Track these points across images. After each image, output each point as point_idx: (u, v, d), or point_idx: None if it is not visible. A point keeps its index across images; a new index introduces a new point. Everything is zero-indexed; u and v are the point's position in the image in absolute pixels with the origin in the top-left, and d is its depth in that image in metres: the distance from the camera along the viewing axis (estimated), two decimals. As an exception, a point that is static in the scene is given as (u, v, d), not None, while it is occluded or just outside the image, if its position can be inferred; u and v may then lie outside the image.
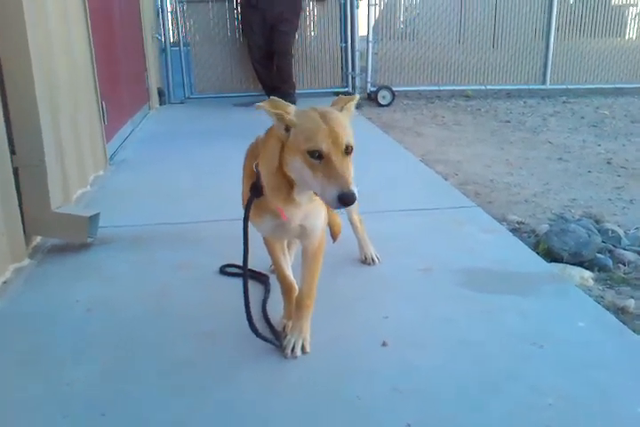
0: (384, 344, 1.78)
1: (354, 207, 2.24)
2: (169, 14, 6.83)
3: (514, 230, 2.96)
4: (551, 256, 2.61)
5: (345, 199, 1.35)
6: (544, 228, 3.01)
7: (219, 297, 2.11)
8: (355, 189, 1.37)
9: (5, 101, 2.35)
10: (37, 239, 2.61)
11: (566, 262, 2.56)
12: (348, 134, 1.43)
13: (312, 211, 1.65)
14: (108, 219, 2.77)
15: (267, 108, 1.47)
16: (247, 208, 1.66)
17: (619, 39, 7.43)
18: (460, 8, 7.15)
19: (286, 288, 1.87)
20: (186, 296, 2.12)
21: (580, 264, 2.60)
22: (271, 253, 1.85)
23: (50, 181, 2.47)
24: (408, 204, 3.03)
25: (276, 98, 1.53)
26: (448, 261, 2.37)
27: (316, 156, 1.40)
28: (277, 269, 1.87)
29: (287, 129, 1.47)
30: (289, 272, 1.87)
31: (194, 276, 2.28)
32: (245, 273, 1.73)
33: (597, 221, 3.14)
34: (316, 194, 1.47)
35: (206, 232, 2.71)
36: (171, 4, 6.82)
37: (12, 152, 2.37)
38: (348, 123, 1.49)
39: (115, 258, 2.47)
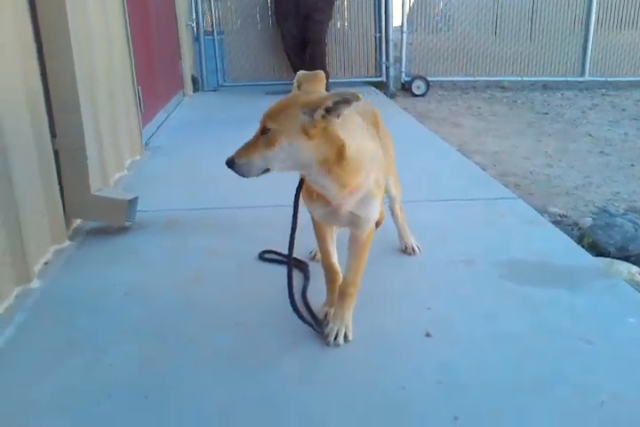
0: (428, 335, 1.74)
1: (397, 196, 2.20)
2: (203, 2, 6.82)
3: (555, 223, 2.89)
4: (596, 250, 2.54)
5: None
6: (587, 221, 2.95)
7: (255, 284, 2.09)
8: (235, 158, 1.49)
9: (47, 86, 2.34)
10: (77, 222, 2.61)
11: (612, 257, 2.49)
12: (270, 117, 1.47)
13: (366, 200, 1.61)
14: (145, 203, 2.76)
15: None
16: (297, 188, 1.67)
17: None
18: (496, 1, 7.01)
19: (331, 276, 1.83)
20: (222, 283, 2.10)
21: (626, 259, 2.53)
22: (319, 239, 1.81)
23: (90, 164, 2.47)
24: (447, 194, 2.98)
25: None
26: (490, 252, 2.31)
27: None
28: (324, 256, 1.84)
29: None
30: (335, 260, 1.83)
31: (229, 262, 2.26)
32: (291, 251, 1.71)
33: (642, 216, 3.05)
34: None
35: (241, 218, 2.69)
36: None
37: (53, 135, 2.37)
38: (309, 106, 1.44)
39: (151, 242, 2.46)
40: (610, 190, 3.48)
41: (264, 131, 1.47)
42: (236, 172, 1.49)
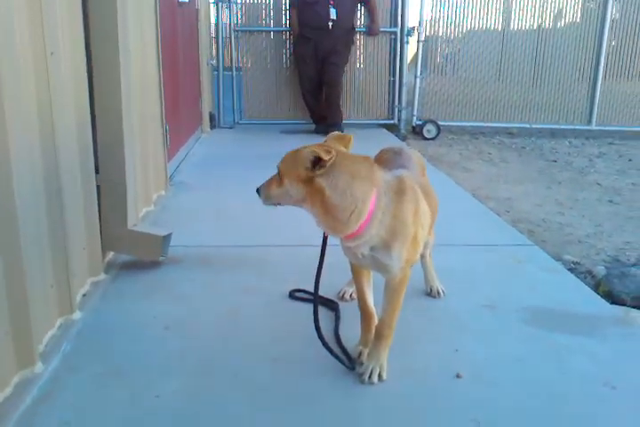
0: (458, 376, 1.82)
1: (430, 242, 2.30)
2: (224, 41, 7.06)
3: (570, 270, 2.98)
4: (612, 298, 2.63)
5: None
6: (601, 269, 3.04)
7: (288, 322, 2.17)
8: (260, 191, 1.79)
9: (94, 122, 2.47)
10: (110, 255, 2.70)
11: (627, 305, 2.58)
12: (282, 161, 1.71)
13: (383, 246, 1.69)
14: (174, 238, 2.85)
15: None
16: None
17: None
18: (502, 45, 7.24)
19: (365, 315, 1.92)
20: (256, 319, 2.19)
21: (640, 308, 2.62)
22: (355, 278, 1.93)
23: (128, 199, 2.58)
24: (467, 239, 3.08)
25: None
26: (511, 298, 2.40)
27: None
28: (359, 297, 1.94)
29: None
30: (370, 300, 1.93)
31: (261, 299, 2.35)
32: (317, 287, 1.86)
33: (653, 266, 3.15)
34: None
35: (271, 256, 2.79)
36: (226, 30, 7.04)
37: (96, 171, 2.48)
38: (300, 158, 1.62)
39: (184, 277, 2.55)
40: (620, 240, 3.58)
41: (278, 172, 1.71)
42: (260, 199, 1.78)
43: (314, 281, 1.87)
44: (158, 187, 3.77)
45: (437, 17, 7.15)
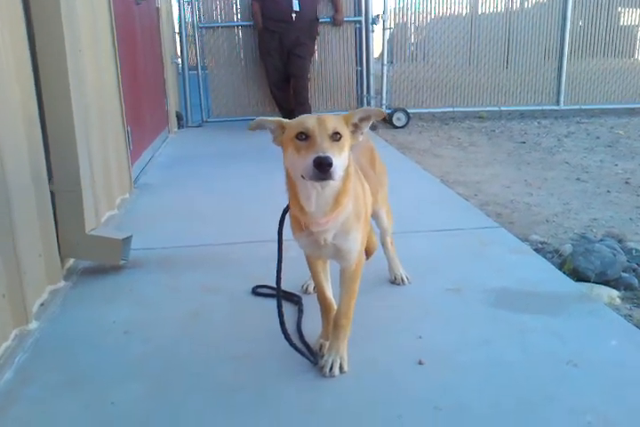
0: (420, 363, 1.80)
1: (388, 228, 2.28)
2: (187, 39, 6.99)
3: (537, 250, 2.97)
4: (577, 276, 2.63)
5: (318, 161, 1.39)
6: (567, 248, 3.04)
7: (251, 319, 2.15)
8: (332, 156, 1.41)
9: (45, 130, 2.42)
10: (70, 262, 2.66)
11: (593, 282, 2.58)
12: (337, 122, 1.52)
13: (345, 231, 1.68)
14: (137, 241, 2.81)
15: (262, 120, 1.60)
16: (280, 219, 1.77)
17: (632, 60, 7.50)
18: (470, 30, 7.24)
19: (325, 308, 1.90)
20: (218, 318, 2.16)
21: (606, 283, 2.62)
22: (312, 272, 1.90)
23: (85, 204, 2.53)
24: (433, 224, 3.07)
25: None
26: (477, 281, 2.39)
27: (303, 138, 1.48)
28: (318, 289, 1.92)
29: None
30: (329, 293, 1.91)
31: (224, 298, 2.32)
32: (279, 283, 1.82)
33: (620, 241, 3.16)
34: (303, 177, 1.47)
35: (233, 254, 2.76)
36: (189, 28, 6.97)
37: (50, 177, 2.43)
38: (343, 122, 1.56)
39: (146, 280, 2.51)
40: (588, 217, 3.59)
41: (334, 137, 1.49)
42: (331, 174, 1.42)
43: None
44: (122, 190, 3.72)
45: (403, 5, 7.11)
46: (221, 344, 1.98)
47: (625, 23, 7.43)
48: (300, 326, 2.03)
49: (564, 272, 2.56)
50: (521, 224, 3.45)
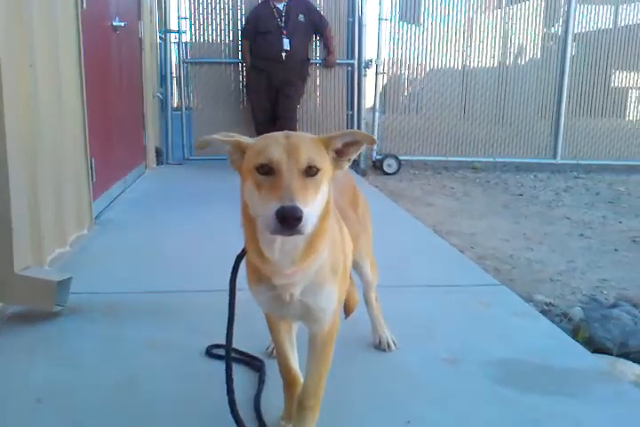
0: (408, 461, 1.39)
1: (373, 282, 1.90)
2: (173, 79, 6.77)
3: (542, 313, 2.60)
4: (593, 346, 2.25)
5: (284, 213, 1.03)
6: (577, 311, 2.68)
7: (200, 388, 1.73)
8: (300, 205, 1.04)
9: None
10: (-3, 306, 2.24)
11: (612, 354, 2.19)
12: (311, 152, 1.14)
13: (319, 284, 1.29)
14: (82, 284, 2.41)
15: (213, 138, 1.22)
16: (234, 266, 1.40)
17: (626, 120, 7.37)
18: (463, 84, 7.07)
19: (289, 382, 1.49)
20: (159, 386, 1.74)
21: (626, 356, 2.24)
22: (273, 336, 1.50)
23: (15, 240, 2.13)
24: (424, 278, 2.69)
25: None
26: (477, 349, 2.00)
27: (266, 171, 1.12)
28: (280, 359, 1.50)
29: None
30: (294, 363, 1.50)
31: (172, 358, 1.90)
32: (229, 355, 1.41)
33: (635, 305, 2.79)
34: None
35: (191, 304, 2.35)
36: (175, 64, 6.74)
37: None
38: (322, 147, 1.20)
39: (81, 332, 2.09)
40: (596, 277, 3.23)
41: (308, 171, 1.13)
42: (300, 229, 1.06)
43: (238, 335, 1.46)
44: (79, 225, 3.32)
45: (396, 56, 6.93)
46: (158, 420, 1.56)
47: (615, 85, 7.31)
48: (258, 400, 1.61)
49: (579, 341, 2.17)
50: (522, 282, 3.08)
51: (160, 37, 6.59)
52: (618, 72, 7.37)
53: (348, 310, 1.81)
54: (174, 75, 6.89)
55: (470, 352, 1.96)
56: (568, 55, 6.91)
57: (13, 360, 1.87)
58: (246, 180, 1.16)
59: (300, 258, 1.20)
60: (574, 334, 2.32)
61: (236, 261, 1.40)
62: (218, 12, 6.51)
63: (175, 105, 7.13)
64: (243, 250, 1.33)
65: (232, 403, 1.38)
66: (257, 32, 5.99)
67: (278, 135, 1.18)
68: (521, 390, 1.74)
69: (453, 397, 1.70)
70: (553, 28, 7.19)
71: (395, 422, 1.55)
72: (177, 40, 6.50)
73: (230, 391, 1.39)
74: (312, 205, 1.09)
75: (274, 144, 1.14)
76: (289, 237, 1.12)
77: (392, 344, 1.96)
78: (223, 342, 1.80)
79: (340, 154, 1.23)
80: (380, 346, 1.96)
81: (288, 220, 1.03)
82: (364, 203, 1.83)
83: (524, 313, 2.35)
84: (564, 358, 1.96)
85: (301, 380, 1.48)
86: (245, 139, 1.22)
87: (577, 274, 3.28)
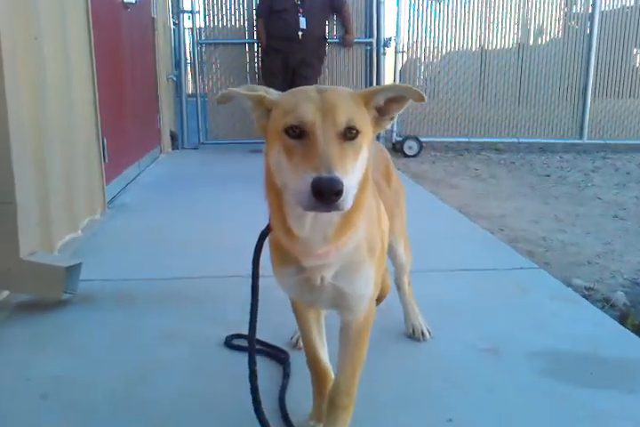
0: (454, 466, 1.23)
1: (407, 265, 1.73)
2: (187, 64, 6.63)
3: (583, 298, 2.42)
4: (643, 334, 2.06)
5: (320, 186, 0.86)
6: (620, 296, 2.50)
7: (218, 382, 1.59)
8: (339, 175, 0.87)
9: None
10: (4, 294, 2.11)
11: (665, 343, 2.01)
12: (350, 110, 0.97)
13: (354, 267, 1.13)
14: (95, 270, 2.29)
15: (235, 92, 1.05)
16: (257, 245, 1.23)
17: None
18: (481, 65, 6.80)
19: (318, 377, 1.34)
20: (174, 379, 1.60)
21: (679, 345, 2.05)
22: (300, 326, 1.34)
23: (20, 222, 1.99)
24: (457, 263, 2.52)
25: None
26: (518, 338, 1.83)
27: (297, 134, 0.95)
28: (307, 351, 1.35)
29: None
30: (324, 355, 1.34)
31: (186, 350, 1.76)
32: (252, 346, 1.26)
33: (682, 290, 2.61)
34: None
35: (208, 291, 2.20)
36: (189, 47, 6.57)
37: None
38: (362, 105, 1.03)
39: (91, 322, 1.96)
40: (637, 259, 3.04)
41: (347, 134, 0.96)
42: (339, 205, 0.90)
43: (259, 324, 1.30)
44: (91, 209, 3.19)
45: (418, 36, 6.68)
46: (172, 419, 1.42)
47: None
48: (283, 396, 1.46)
49: (629, 328, 2.00)
50: (558, 265, 2.90)
51: (174, 23, 6.43)
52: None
53: (379, 296, 1.64)
54: (189, 60, 6.73)
55: (511, 342, 1.80)
56: (595, 34, 6.64)
57: (18, 353, 1.74)
58: (273, 144, 0.99)
59: (334, 235, 1.03)
60: (622, 320, 2.15)
61: (259, 239, 1.23)
62: (232, -11, 6.32)
63: (190, 89, 6.96)
64: (267, 226, 1.17)
65: (256, 402, 1.23)
66: (272, 10, 5.79)
67: (309, 90, 1.01)
68: (570, 383, 1.57)
69: (497, 392, 1.54)
70: (575, 7, 6.91)
71: (435, 422, 1.40)
72: (190, 23, 6.31)
73: (255, 390, 1.23)
74: (352, 176, 0.93)
75: (305, 101, 0.96)
76: (324, 213, 0.96)
77: (427, 333, 1.81)
78: (242, 331, 1.69)
79: (381, 112, 1.06)
80: (413, 335, 1.81)
81: (326, 194, 0.86)
82: (397, 178, 1.66)
83: (565, 298, 2.19)
84: (616, 348, 1.79)
85: (332, 374, 1.32)
86: (272, 93, 1.05)
87: (615, 257, 3.09)
